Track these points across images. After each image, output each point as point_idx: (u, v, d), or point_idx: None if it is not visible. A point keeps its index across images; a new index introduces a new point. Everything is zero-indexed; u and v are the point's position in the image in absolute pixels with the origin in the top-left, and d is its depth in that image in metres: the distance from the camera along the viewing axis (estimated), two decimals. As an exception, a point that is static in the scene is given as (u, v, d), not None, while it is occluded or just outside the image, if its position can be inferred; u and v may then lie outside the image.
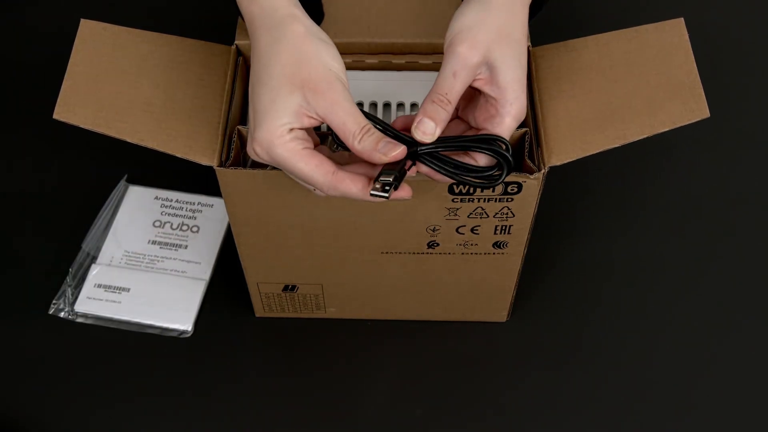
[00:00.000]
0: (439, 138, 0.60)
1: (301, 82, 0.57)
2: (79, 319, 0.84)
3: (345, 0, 0.74)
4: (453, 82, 0.59)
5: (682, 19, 0.68)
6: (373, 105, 0.72)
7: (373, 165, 0.59)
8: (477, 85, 0.60)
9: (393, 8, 0.74)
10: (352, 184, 0.58)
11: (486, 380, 0.81)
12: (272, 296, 0.81)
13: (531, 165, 0.65)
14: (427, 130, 0.59)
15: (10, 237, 0.90)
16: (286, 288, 0.80)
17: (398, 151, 0.57)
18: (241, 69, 0.71)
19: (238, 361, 0.82)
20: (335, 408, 0.80)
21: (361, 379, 0.81)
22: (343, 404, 0.80)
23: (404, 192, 0.59)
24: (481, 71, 0.59)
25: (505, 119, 0.60)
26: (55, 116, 0.64)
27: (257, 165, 0.67)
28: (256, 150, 0.58)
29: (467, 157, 0.61)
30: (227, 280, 0.86)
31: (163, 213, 0.90)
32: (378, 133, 0.58)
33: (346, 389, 0.81)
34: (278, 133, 0.57)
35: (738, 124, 0.97)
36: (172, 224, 0.89)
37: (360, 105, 0.71)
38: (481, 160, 0.61)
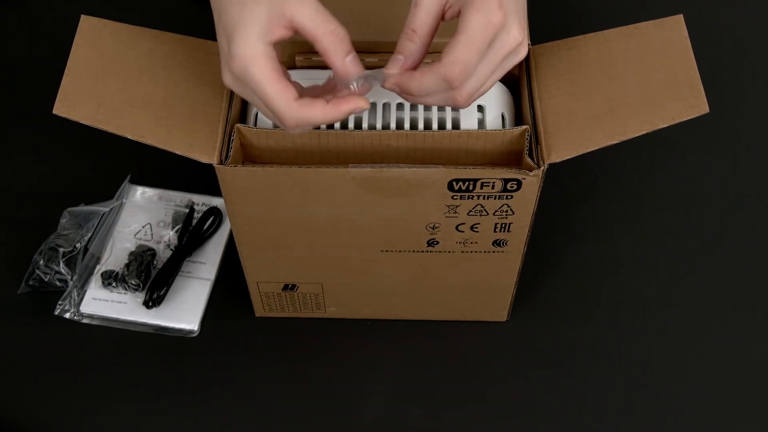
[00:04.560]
0: None
1: None
2: (85, 320, 0.84)
3: (345, -1, 0.74)
4: (415, 11, 0.59)
5: (682, 16, 0.68)
6: (373, 105, 0.72)
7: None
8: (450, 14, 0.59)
9: (393, 8, 0.74)
10: (313, 109, 0.58)
11: (486, 380, 0.81)
12: (272, 296, 0.81)
13: (530, 162, 0.65)
14: (394, 62, 0.60)
15: (13, 237, 0.90)
16: (286, 287, 0.80)
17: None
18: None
19: (239, 361, 0.82)
20: (335, 407, 0.80)
21: (360, 379, 0.81)
22: (343, 403, 0.80)
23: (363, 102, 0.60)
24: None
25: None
26: (54, 111, 0.65)
27: (256, 162, 0.68)
28: (233, 68, 0.57)
29: None
30: (231, 280, 0.86)
31: (167, 214, 0.90)
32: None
33: (345, 388, 0.81)
34: (258, 47, 0.56)
35: (738, 121, 0.97)
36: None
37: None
38: None
